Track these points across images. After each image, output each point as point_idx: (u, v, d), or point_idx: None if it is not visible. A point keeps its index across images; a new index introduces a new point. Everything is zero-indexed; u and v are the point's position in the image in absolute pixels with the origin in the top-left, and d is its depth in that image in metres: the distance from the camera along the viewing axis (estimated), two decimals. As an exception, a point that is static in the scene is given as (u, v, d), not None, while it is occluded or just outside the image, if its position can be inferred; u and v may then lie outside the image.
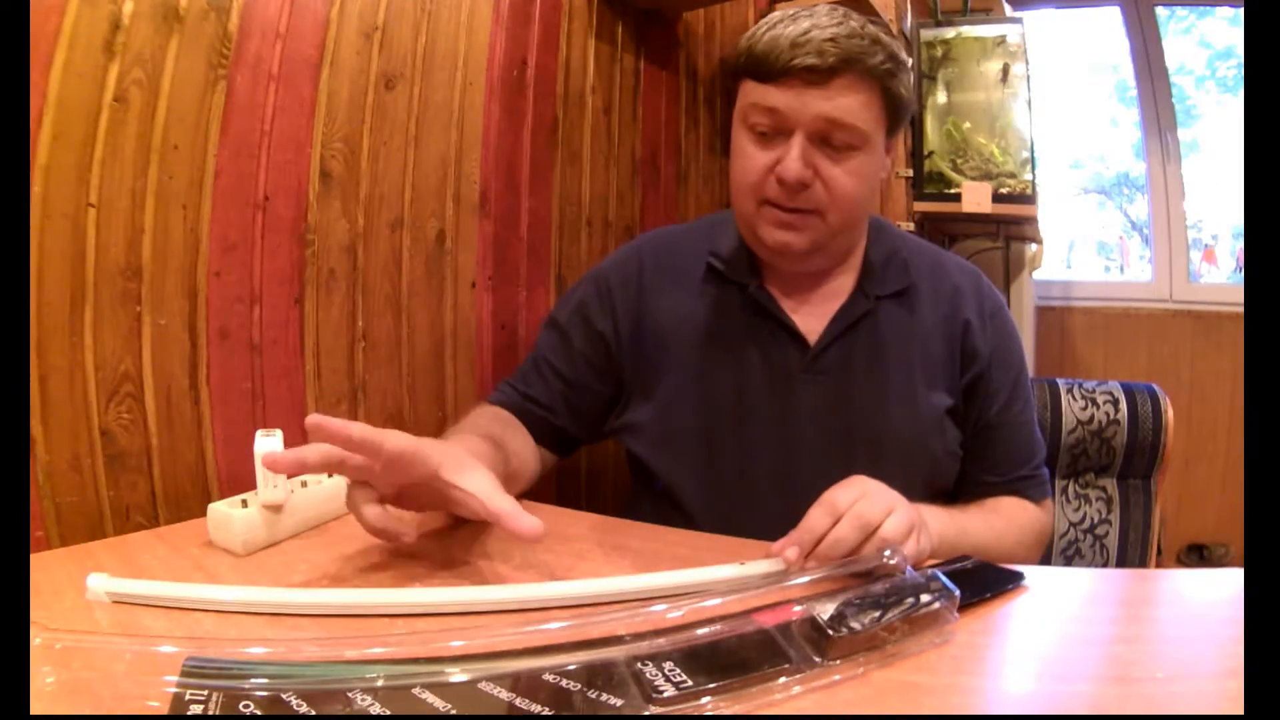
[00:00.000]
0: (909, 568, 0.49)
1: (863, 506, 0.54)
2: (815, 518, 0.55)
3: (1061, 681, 0.40)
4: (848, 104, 0.67)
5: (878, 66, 0.68)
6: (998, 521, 0.75)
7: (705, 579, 0.53)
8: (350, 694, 0.36)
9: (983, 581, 0.52)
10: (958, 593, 0.46)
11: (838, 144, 0.69)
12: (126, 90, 0.68)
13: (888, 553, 0.50)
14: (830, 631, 0.41)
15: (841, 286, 0.78)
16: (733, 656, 0.40)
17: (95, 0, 0.65)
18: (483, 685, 0.37)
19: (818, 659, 0.40)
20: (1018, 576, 0.52)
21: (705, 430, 0.76)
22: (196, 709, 0.34)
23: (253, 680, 0.36)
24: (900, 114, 0.73)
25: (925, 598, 0.45)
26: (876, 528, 0.54)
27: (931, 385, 0.77)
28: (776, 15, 0.71)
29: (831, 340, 0.76)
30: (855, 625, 0.42)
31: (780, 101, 0.68)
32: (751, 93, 0.71)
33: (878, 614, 0.43)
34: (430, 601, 0.49)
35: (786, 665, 0.39)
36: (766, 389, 0.76)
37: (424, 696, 0.36)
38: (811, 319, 0.76)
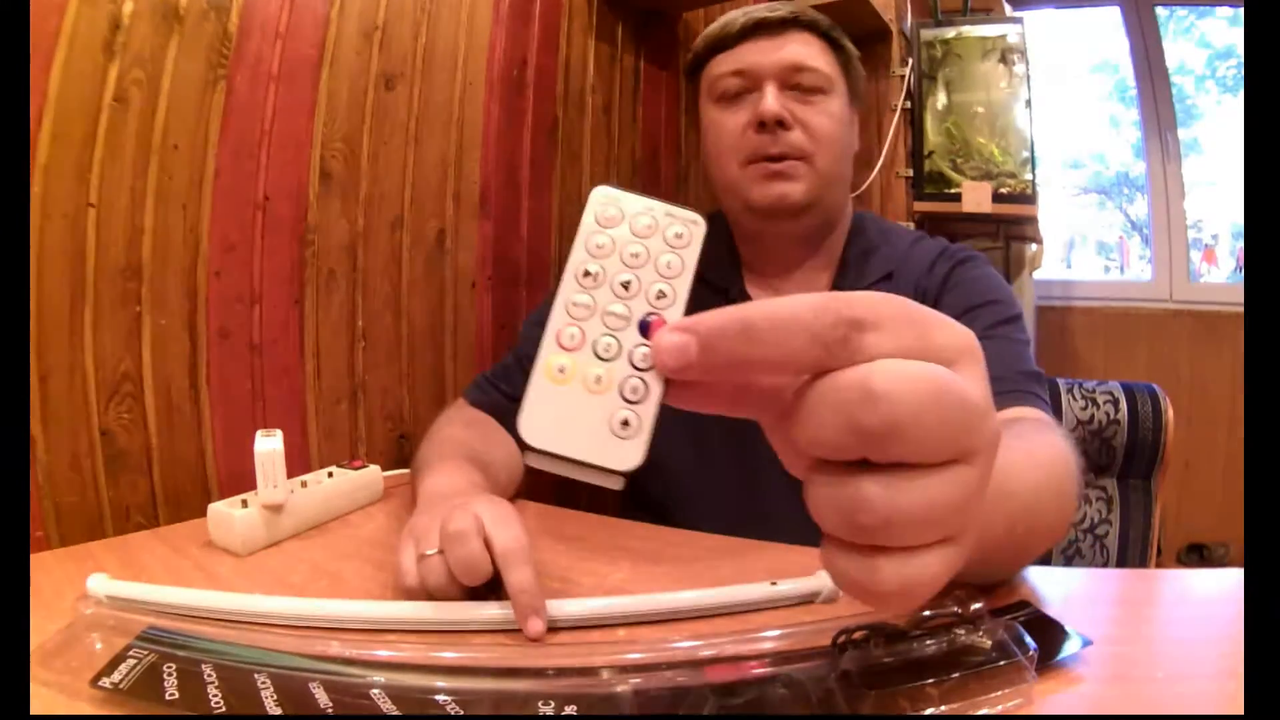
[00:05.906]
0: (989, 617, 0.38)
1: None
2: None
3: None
4: (805, 50, 0.73)
5: (820, 22, 0.75)
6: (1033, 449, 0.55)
7: (732, 599, 0.49)
8: (257, 675, 0.37)
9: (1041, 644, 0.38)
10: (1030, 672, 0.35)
11: (807, 87, 0.73)
12: (126, 90, 0.68)
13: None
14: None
15: (820, 285, 0.80)
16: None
17: (95, 0, 0.65)
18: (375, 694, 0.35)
19: None
20: (1076, 640, 0.41)
21: (693, 437, 0.76)
22: (130, 664, 0.37)
23: (186, 652, 0.38)
24: (855, 76, 0.77)
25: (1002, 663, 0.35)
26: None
27: None
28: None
29: None
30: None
31: (743, 59, 0.73)
32: (714, 68, 0.75)
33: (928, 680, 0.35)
34: (434, 617, 0.46)
35: None
36: None
37: (317, 694, 0.35)
38: None
